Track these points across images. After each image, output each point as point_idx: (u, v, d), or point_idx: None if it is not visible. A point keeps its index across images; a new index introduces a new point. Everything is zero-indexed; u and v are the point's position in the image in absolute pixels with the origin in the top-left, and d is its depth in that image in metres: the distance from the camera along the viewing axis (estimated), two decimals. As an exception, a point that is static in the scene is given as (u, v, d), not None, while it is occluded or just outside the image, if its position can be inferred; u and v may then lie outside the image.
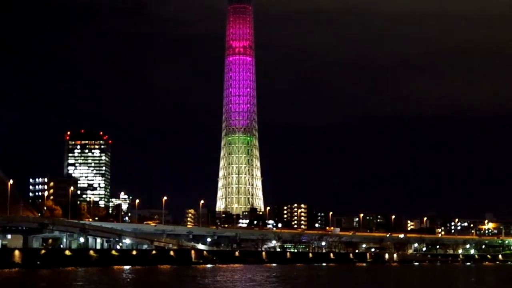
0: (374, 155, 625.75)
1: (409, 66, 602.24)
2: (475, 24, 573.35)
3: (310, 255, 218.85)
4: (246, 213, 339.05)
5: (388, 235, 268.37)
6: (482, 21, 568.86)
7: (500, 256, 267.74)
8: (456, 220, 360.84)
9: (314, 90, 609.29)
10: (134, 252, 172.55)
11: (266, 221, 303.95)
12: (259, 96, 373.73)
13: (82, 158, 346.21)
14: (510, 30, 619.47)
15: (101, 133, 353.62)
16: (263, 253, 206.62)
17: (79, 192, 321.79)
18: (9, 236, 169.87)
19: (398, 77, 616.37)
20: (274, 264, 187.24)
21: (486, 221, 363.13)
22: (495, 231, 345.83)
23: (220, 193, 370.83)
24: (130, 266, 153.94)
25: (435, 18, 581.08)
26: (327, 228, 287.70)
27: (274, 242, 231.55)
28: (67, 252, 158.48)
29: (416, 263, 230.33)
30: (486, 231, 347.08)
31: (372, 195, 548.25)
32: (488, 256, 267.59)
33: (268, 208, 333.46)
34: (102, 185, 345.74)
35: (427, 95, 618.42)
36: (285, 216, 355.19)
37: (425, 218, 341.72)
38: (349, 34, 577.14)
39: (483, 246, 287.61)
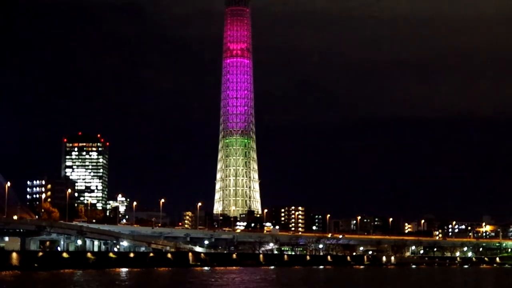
0: (371, 157, 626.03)
1: (407, 68, 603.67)
2: (474, 25, 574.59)
3: (308, 257, 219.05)
4: (244, 215, 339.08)
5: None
6: (483, 22, 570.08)
7: (497, 259, 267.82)
8: (454, 222, 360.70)
9: (312, 92, 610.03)
10: (132, 255, 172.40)
11: (264, 224, 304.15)
12: (257, 98, 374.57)
13: (80, 160, 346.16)
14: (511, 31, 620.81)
15: (99, 135, 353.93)
16: (261, 255, 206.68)
17: (76, 194, 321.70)
18: (6, 239, 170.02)
19: (396, 79, 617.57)
20: (271, 267, 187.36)
21: (483, 224, 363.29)
22: (493, 234, 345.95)
23: (217, 196, 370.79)
24: (128, 269, 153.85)
25: (434, 20, 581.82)
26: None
27: (271, 244, 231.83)
28: (65, 255, 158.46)
29: (414, 266, 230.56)
30: (484, 234, 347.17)
31: (369, 198, 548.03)
32: (486, 258, 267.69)
33: (266, 210, 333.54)
34: (100, 187, 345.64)
35: (425, 97, 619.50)
36: (283, 218, 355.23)
37: (422, 221, 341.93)
38: (347, 36, 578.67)
39: (481, 249, 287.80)
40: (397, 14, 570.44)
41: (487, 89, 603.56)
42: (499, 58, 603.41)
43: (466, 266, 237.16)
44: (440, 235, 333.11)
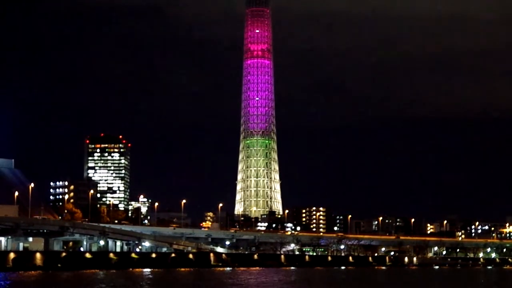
0: (392, 158, 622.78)
1: (429, 67, 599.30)
2: (492, 23, 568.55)
3: (329, 258, 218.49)
4: (265, 216, 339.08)
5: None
6: (500, 21, 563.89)
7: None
8: (477, 223, 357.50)
9: (332, 93, 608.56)
10: (154, 255, 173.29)
11: (285, 224, 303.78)
12: (277, 99, 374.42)
13: (102, 161, 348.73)
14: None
15: (121, 136, 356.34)
16: (282, 256, 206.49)
17: (98, 195, 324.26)
18: (30, 239, 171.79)
19: (418, 78, 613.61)
20: (293, 267, 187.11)
21: (507, 224, 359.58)
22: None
23: (238, 196, 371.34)
24: (150, 269, 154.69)
25: (450, 19, 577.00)
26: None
27: (292, 245, 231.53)
28: (88, 255, 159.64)
29: (436, 267, 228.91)
30: (508, 234, 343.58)
31: (391, 198, 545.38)
32: (510, 259, 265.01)
33: (287, 211, 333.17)
34: (122, 188, 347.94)
35: (447, 96, 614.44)
36: (304, 219, 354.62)
37: (445, 222, 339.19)
38: (367, 36, 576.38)
39: (504, 250, 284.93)
40: (416, 13, 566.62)
41: (507, 88, 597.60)
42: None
43: (489, 267, 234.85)
44: (463, 236, 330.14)
